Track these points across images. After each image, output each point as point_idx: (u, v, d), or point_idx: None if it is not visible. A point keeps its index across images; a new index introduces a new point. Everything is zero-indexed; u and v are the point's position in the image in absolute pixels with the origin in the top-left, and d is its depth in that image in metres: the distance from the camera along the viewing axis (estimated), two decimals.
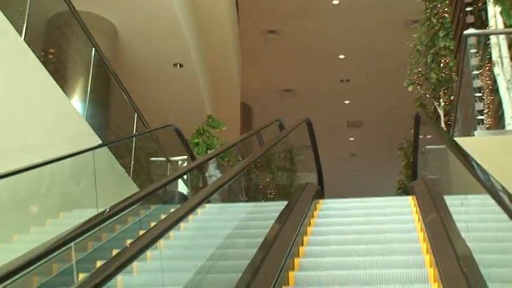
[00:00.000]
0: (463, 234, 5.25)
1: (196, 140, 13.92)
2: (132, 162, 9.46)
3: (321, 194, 9.28)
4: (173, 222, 3.97)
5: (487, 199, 4.21)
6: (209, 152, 13.79)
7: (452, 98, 14.76)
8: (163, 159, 11.01)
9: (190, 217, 8.46)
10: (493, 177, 4.50)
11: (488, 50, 9.61)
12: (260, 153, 7.05)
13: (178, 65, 16.26)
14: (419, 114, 10.03)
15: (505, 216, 3.63)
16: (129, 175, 9.17)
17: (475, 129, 8.57)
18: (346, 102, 27.49)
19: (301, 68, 24.72)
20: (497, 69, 9.04)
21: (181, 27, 14.99)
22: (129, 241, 5.94)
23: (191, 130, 14.89)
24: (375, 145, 29.14)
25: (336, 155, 28.65)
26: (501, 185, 4.22)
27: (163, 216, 7.55)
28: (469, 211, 6.00)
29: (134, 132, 9.88)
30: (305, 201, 7.79)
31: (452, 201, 6.88)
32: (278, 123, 10.58)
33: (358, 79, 25.46)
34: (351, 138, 30.40)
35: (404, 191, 21.00)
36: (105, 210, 4.58)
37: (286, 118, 25.31)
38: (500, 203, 3.85)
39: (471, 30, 9.59)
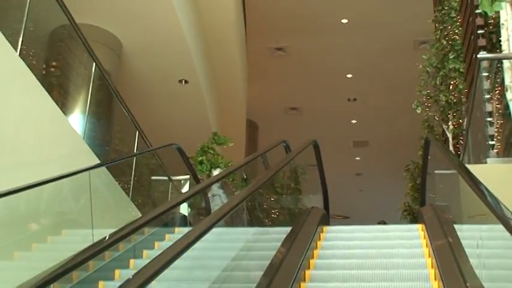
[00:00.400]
0: (477, 272, 4.95)
1: (200, 158, 13.63)
2: (132, 181, 9.18)
3: (326, 219, 8.98)
4: (174, 256, 3.70)
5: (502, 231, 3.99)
6: (213, 171, 13.50)
7: (460, 121, 14.49)
8: (165, 178, 10.73)
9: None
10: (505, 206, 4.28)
11: (498, 74, 9.36)
12: (266, 179, 6.74)
13: (183, 81, 16.03)
14: (429, 138, 9.72)
15: None
16: (129, 194, 8.89)
17: (487, 155, 8.28)
18: (353, 121, 27.24)
19: (308, 86, 24.54)
20: (509, 95, 8.75)
21: (187, 42, 14.76)
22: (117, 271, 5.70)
23: (196, 147, 14.62)
24: (380, 165, 28.92)
25: (341, 174, 28.43)
26: None
27: (166, 237, 7.37)
28: (482, 245, 5.73)
29: (135, 150, 9.60)
30: (310, 227, 7.51)
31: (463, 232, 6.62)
32: (284, 145, 10.29)
33: (366, 98, 25.30)
34: (357, 158, 30.14)
35: (409, 213, 20.72)
36: (99, 240, 4.29)
37: (292, 136, 25.16)
38: None
39: (484, 54, 9.31)
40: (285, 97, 25.46)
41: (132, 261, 6.31)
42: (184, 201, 6.32)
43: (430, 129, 19.03)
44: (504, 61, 8.97)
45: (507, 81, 8.82)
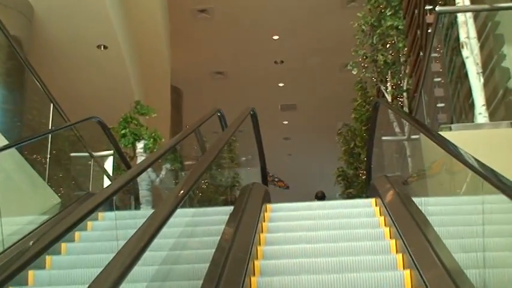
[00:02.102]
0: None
1: (123, 131, 12.56)
2: (48, 160, 8.08)
3: (268, 197, 8.08)
4: None
5: None
6: (137, 143, 12.46)
7: (400, 82, 13.80)
8: (86, 154, 9.62)
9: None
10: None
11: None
12: (210, 159, 5.75)
13: (102, 46, 14.86)
14: (379, 103, 8.89)
15: None
16: (44, 175, 7.81)
17: (450, 120, 7.49)
18: (280, 84, 26.52)
19: (234, 49, 23.74)
20: (465, 52, 7.93)
21: (105, 4, 13.65)
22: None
23: (118, 118, 13.55)
24: (310, 129, 28.37)
25: (269, 138, 27.58)
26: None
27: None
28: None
29: (50, 126, 8.48)
30: (254, 210, 6.61)
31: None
32: (218, 115, 9.31)
33: (293, 61, 24.61)
34: (285, 122, 29.48)
35: (343, 178, 20.19)
36: None
37: (219, 101, 24.62)
38: None
39: (444, 7, 8.47)
40: (210, 61, 24.60)
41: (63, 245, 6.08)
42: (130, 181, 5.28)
43: (363, 90, 18.55)
44: (459, 15, 8.16)
45: (462, 37, 8.01)
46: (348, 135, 20.04)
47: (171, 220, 3.79)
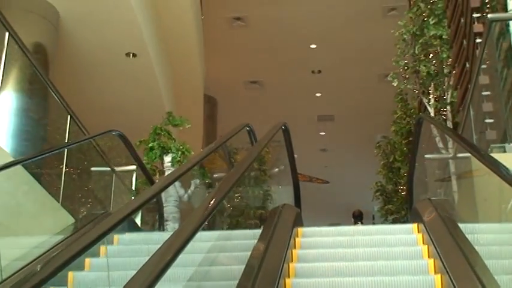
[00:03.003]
0: None
1: (150, 144, 11.94)
2: (63, 179, 7.48)
3: (300, 220, 7.40)
4: None
5: None
6: (164, 157, 11.84)
7: (444, 94, 13.03)
8: (107, 169, 9.04)
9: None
10: None
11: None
12: (235, 179, 5.14)
13: (131, 54, 14.29)
14: (423, 118, 8.15)
15: None
16: (58, 198, 7.20)
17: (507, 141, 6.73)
18: (318, 94, 25.88)
19: (270, 58, 23.16)
20: None
21: (134, 11, 13.07)
22: None
23: (148, 130, 12.96)
24: (347, 140, 27.68)
25: (305, 150, 27.21)
26: None
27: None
28: None
29: (67, 140, 7.89)
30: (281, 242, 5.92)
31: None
32: (247, 129, 8.65)
33: (331, 70, 24.04)
34: (322, 133, 28.80)
35: (382, 193, 19.44)
36: None
37: (254, 112, 24.11)
38: None
39: (496, 15, 7.74)
40: (245, 70, 24.08)
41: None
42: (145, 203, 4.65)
43: (403, 102, 17.81)
44: (511, 23, 7.43)
45: None
46: (387, 149, 19.24)
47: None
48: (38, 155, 6.90)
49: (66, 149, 7.73)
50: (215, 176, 12.67)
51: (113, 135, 8.49)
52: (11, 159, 6.34)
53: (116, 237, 6.69)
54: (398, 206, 18.20)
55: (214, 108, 25.68)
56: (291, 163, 8.91)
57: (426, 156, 8.97)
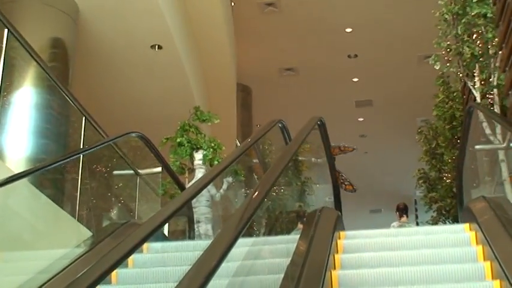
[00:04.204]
0: None
1: (179, 140, 11.30)
2: (79, 188, 6.83)
3: (341, 223, 6.73)
4: None
5: None
6: (195, 154, 11.18)
7: (491, 77, 12.19)
8: (131, 172, 8.39)
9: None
10: None
11: None
12: (269, 186, 4.56)
13: (156, 46, 13.64)
14: (473, 107, 7.35)
15: None
16: (75, 214, 6.55)
17: None
18: (355, 79, 25.10)
19: (304, 44, 22.47)
20: None
21: (158, 1, 12.41)
22: None
23: (177, 126, 12.37)
24: (387, 126, 26.90)
25: (344, 136, 26.42)
26: None
27: None
28: None
29: (82, 144, 7.23)
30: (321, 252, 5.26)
31: None
32: (280, 126, 7.94)
33: (367, 54, 23.16)
34: (360, 119, 28.03)
35: (425, 181, 18.67)
36: None
37: (289, 99, 23.54)
38: None
39: None
40: (279, 57, 23.35)
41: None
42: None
43: (445, 85, 17.08)
44: None
45: None
46: (430, 134, 18.44)
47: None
48: (46, 165, 6.21)
49: (81, 155, 7.03)
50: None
51: (133, 137, 7.81)
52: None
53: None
54: (443, 194, 17.46)
55: (248, 97, 25.05)
56: (328, 160, 8.19)
57: (476, 147, 8.16)
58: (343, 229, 6.64)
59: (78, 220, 6.64)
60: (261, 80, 24.19)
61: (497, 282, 4.46)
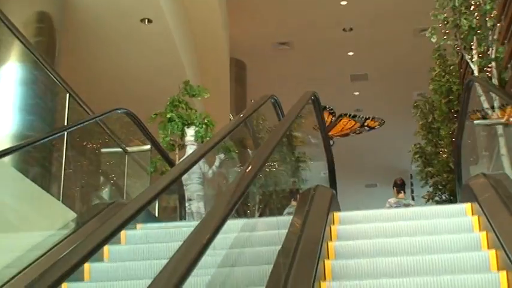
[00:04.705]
0: None
1: (169, 115, 11.01)
2: (63, 166, 6.56)
3: (336, 204, 6.49)
4: None
5: None
6: (186, 130, 10.91)
7: (489, 50, 11.93)
8: (119, 150, 8.13)
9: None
10: None
11: None
12: (260, 164, 4.33)
13: (146, 20, 13.31)
14: (473, 81, 7.08)
15: None
16: (59, 195, 6.29)
17: None
18: (350, 53, 24.82)
19: (298, 17, 22.11)
20: None
21: None
22: None
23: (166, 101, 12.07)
24: (382, 100, 26.64)
25: (339, 111, 26.39)
26: None
27: None
28: None
29: (66, 122, 6.96)
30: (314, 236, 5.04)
31: None
32: (272, 101, 7.68)
33: (363, 28, 22.85)
34: (356, 93, 27.78)
35: (421, 156, 18.48)
36: None
37: (284, 73, 23.28)
38: None
39: None
40: (274, 31, 23.04)
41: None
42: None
43: (442, 59, 16.89)
44: None
45: None
46: (426, 108, 18.24)
47: None
48: (28, 144, 5.95)
49: (66, 133, 6.76)
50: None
51: (119, 113, 7.54)
52: None
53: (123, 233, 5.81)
54: (439, 169, 17.29)
55: (242, 71, 24.80)
56: (323, 136, 7.94)
57: (475, 122, 7.92)
58: (338, 210, 6.41)
59: (62, 201, 6.39)
60: (255, 55, 23.90)
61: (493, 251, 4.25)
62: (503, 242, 4.34)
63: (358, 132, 27.32)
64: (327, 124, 24.93)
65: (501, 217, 4.92)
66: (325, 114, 27.11)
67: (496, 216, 4.98)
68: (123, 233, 5.58)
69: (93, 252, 3.22)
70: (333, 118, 26.38)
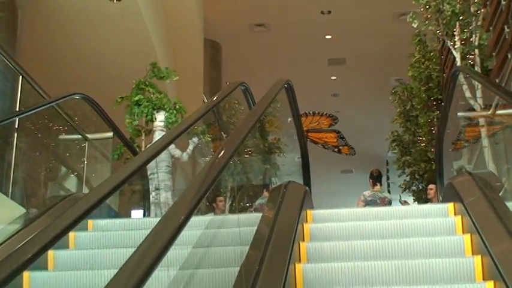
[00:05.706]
0: None
1: (136, 98, 10.47)
2: (14, 155, 6.01)
3: (309, 201, 6.02)
4: None
5: None
6: (156, 114, 10.38)
7: (473, 36, 11.50)
8: (79, 137, 7.57)
9: None
10: None
11: None
12: (232, 150, 4.01)
13: None
14: (459, 70, 6.60)
15: None
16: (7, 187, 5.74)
17: None
18: (328, 37, 24.32)
19: None
20: None
21: None
22: None
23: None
24: (360, 85, 26.24)
25: (316, 95, 26.02)
26: None
27: None
28: None
29: (17, 107, 6.40)
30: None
31: None
32: (242, 88, 7.18)
33: (341, 11, 22.32)
34: (333, 77, 27.32)
35: (398, 144, 18.16)
36: None
37: (260, 56, 22.80)
38: None
39: None
40: (250, 12, 22.48)
41: None
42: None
43: (422, 44, 16.54)
44: None
45: None
46: (404, 95, 17.87)
47: None
48: None
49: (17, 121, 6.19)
50: None
51: (76, 99, 6.97)
52: None
53: (72, 234, 5.28)
54: (416, 158, 16.94)
55: (218, 53, 24.29)
56: (297, 127, 7.44)
57: (459, 114, 7.45)
58: (311, 207, 5.94)
59: (11, 196, 5.84)
60: (231, 36, 23.37)
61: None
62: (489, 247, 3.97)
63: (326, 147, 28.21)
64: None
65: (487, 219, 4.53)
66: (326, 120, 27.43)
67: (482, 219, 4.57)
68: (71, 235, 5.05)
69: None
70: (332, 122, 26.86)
